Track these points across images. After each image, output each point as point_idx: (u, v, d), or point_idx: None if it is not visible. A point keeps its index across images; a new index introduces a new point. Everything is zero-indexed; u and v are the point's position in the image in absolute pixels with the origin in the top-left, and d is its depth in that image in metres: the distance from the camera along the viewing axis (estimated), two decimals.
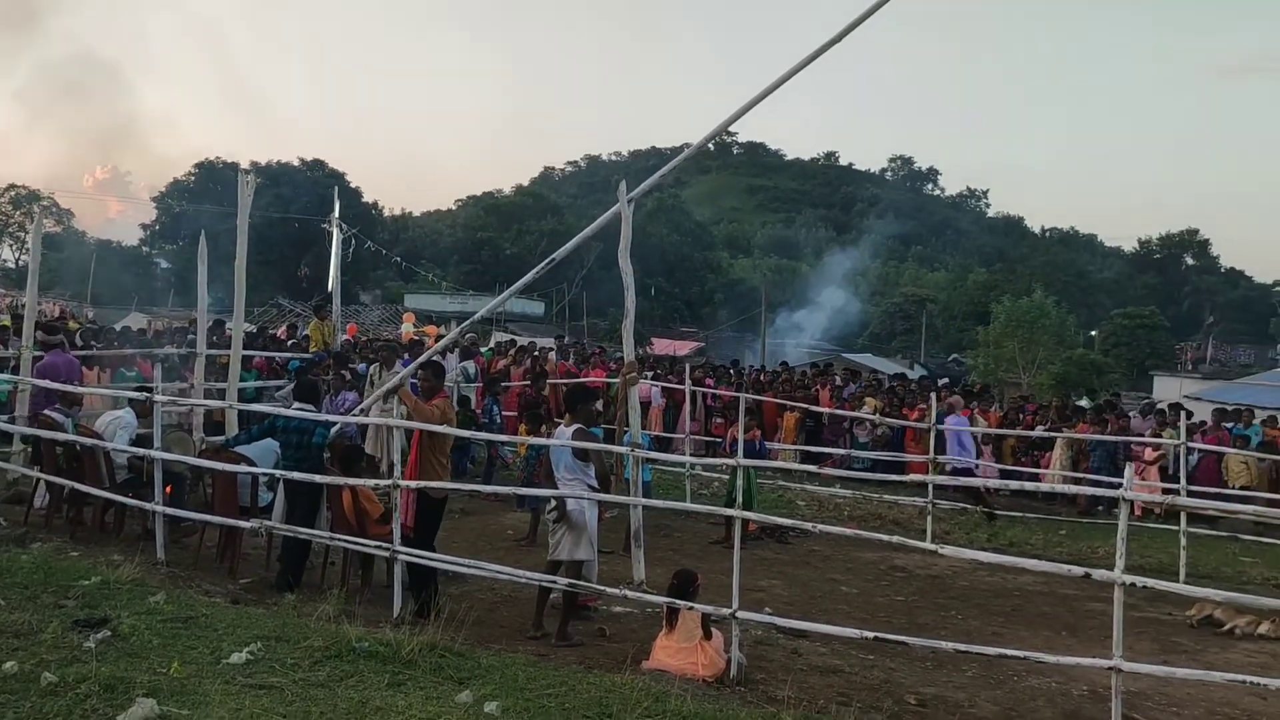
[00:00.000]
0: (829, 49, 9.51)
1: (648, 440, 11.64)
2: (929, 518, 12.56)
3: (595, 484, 7.94)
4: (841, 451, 16.70)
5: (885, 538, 7.41)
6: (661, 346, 45.79)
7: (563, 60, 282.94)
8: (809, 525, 7.73)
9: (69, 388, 10.39)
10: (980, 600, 10.26)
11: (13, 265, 69.36)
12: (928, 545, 7.54)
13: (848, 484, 15.09)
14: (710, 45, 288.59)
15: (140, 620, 6.54)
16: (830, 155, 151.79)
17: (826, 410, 17.52)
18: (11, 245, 73.74)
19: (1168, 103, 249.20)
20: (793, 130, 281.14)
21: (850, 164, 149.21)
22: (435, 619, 7.00)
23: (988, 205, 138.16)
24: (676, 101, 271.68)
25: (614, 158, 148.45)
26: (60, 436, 9.71)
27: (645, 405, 19.11)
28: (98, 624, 6.36)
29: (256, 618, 7.09)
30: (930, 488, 12.48)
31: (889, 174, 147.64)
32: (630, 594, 7.69)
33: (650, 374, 20.14)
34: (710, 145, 14.26)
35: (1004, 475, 15.46)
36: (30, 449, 10.68)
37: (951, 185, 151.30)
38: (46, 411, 10.31)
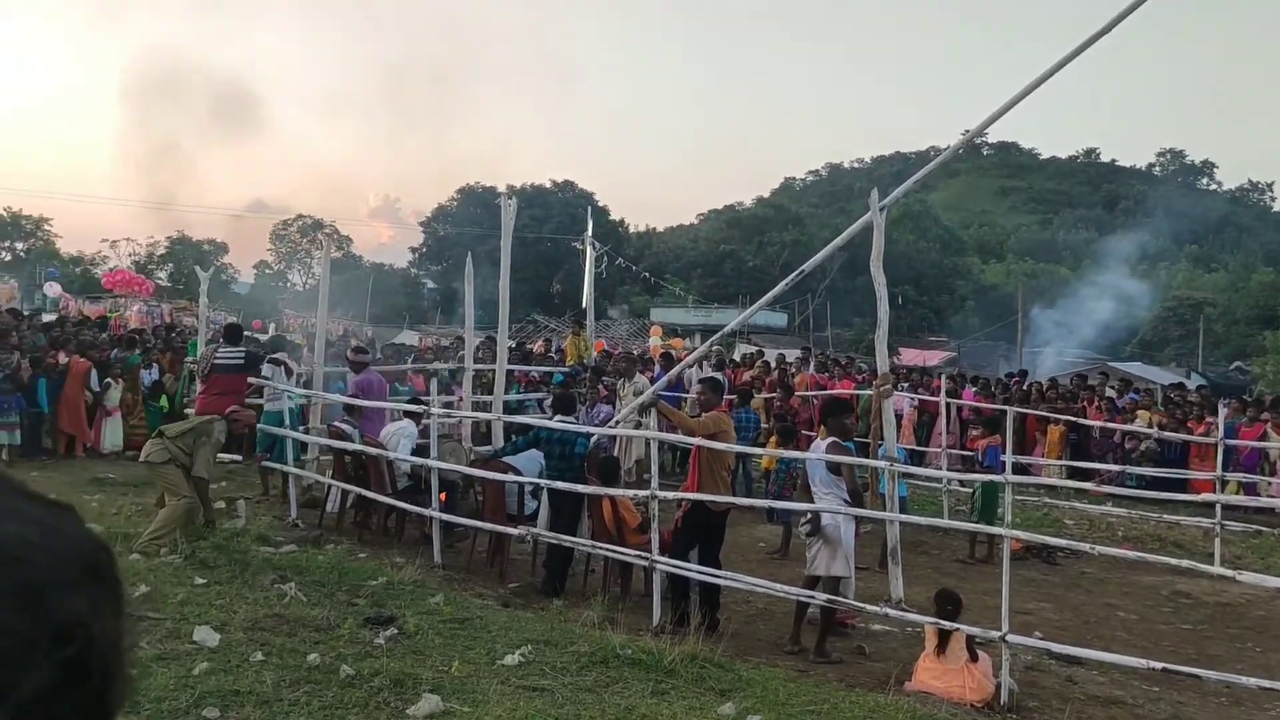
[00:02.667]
0: (1096, 41, 8.99)
1: (903, 454, 11.30)
2: (1216, 540, 11.53)
3: (848, 499, 7.82)
4: (1115, 468, 15.63)
5: (1172, 561, 6.88)
6: (910, 356, 44.46)
7: (801, 69, 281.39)
8: (1085, 546, 7.28)
9: (366, 402, 11.21)
10: None
11: (301, 289, 75.99)
12: (1220, 570, 6.94)
13: (1121, 502, 14.10)
14: (952, 45, 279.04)
15: (423, 620, 6.98)
16: (1090, 152, 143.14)
17: (1096, 423, 16.44)
18: (300, 271, 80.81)
19: None
20: (1048, 128, 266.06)
21: (1113, 160, 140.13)
22: (696, 632, 7.07)
23: (1273, 199, 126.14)
24: (919, 105, 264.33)
25: (856, 165, 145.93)
26: (349, 446, 10.53)
27: (897, 417, 18.66)
28: (386, 621, 6.84)
29: (526, 621, 7.41)
30: (1219, 508, 11.46)
31: (1157, 169, 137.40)
32: (892, 612, 7.50)
33: (903, 385, 19.65)
34: (960, 148, 13.79)
35: None
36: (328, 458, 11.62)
37: (1230, 179, 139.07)
38: (336, 423, 11.21)
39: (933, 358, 44.33)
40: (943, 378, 17.37)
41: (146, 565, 7.77)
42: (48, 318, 22.73)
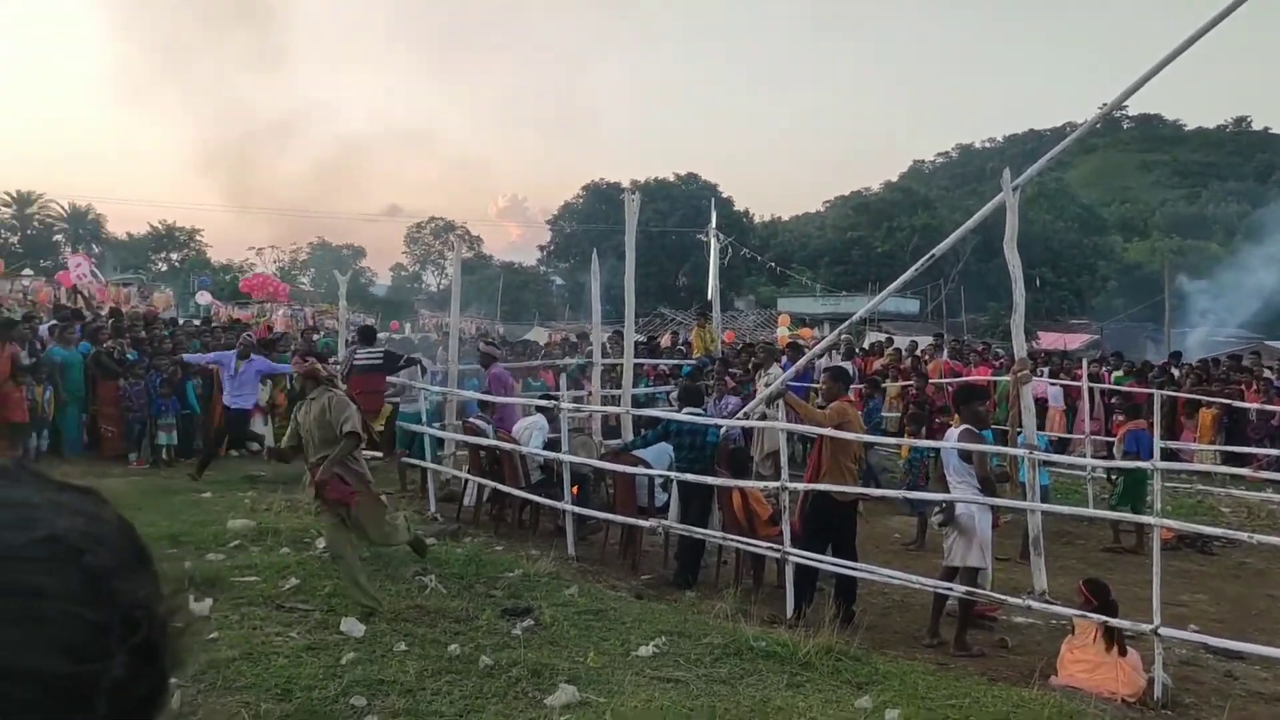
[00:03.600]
0: (1242, 3, 8.48)
1: (1044, 441, 10.93)
2: None
3: (980, 487, 7.59)
4: (1275, 452, 14.77)
5: None
6: (1049, 340, 42.91)
7: (929, 46, 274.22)
8: (1243, 535, 6.89)
9: (492, 398, 11.46)
10: None
11: (435, 289, 78.06)
12: None
13: None
14: (1086, 14, 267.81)
15: (558, 611, 7.10)
16: (1241, 120, 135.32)
17: (1254, 405, 15.54)
18: (434, 272, 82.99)
19: None
20: (1192, 98, 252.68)
21: (1266, 128, 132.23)
22: (831, 624, 6.98)
23: None
24: (1052, 80, 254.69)
25: (988, 145, 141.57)
26: (484, 441, 10.76)
27: (1042, 405, 18.06)
28: (522, 613, 6.98)
29: (659, 613, 7.46)
30: None
31: None
32: (1034, 604, 7.27)
33: (1043, 370, 19.00)
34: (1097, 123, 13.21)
35: None
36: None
37: None
38: (472, 419, 11.48)
39: (1074, 341, 42.74)
40: (1084, 361, 16.67)
41: (296, 558, 8.12)
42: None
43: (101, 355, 13.96)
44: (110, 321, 16.68)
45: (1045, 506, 8.57)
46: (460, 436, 11.47)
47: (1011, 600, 7.23)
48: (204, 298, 33.32)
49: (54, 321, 15.43)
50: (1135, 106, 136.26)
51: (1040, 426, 16.64)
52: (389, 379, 12.16)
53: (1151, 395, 9.98)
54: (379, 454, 11.65)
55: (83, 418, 13.78)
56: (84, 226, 70.37)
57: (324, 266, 66.36)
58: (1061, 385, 17.91)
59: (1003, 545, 9.42)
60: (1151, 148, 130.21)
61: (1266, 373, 18.63)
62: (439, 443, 11.83)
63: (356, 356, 12.17)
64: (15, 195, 67.63)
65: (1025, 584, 8.60)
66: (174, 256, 70.68)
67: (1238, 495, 13.36)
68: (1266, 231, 72.92)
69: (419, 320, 39.47)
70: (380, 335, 23.71)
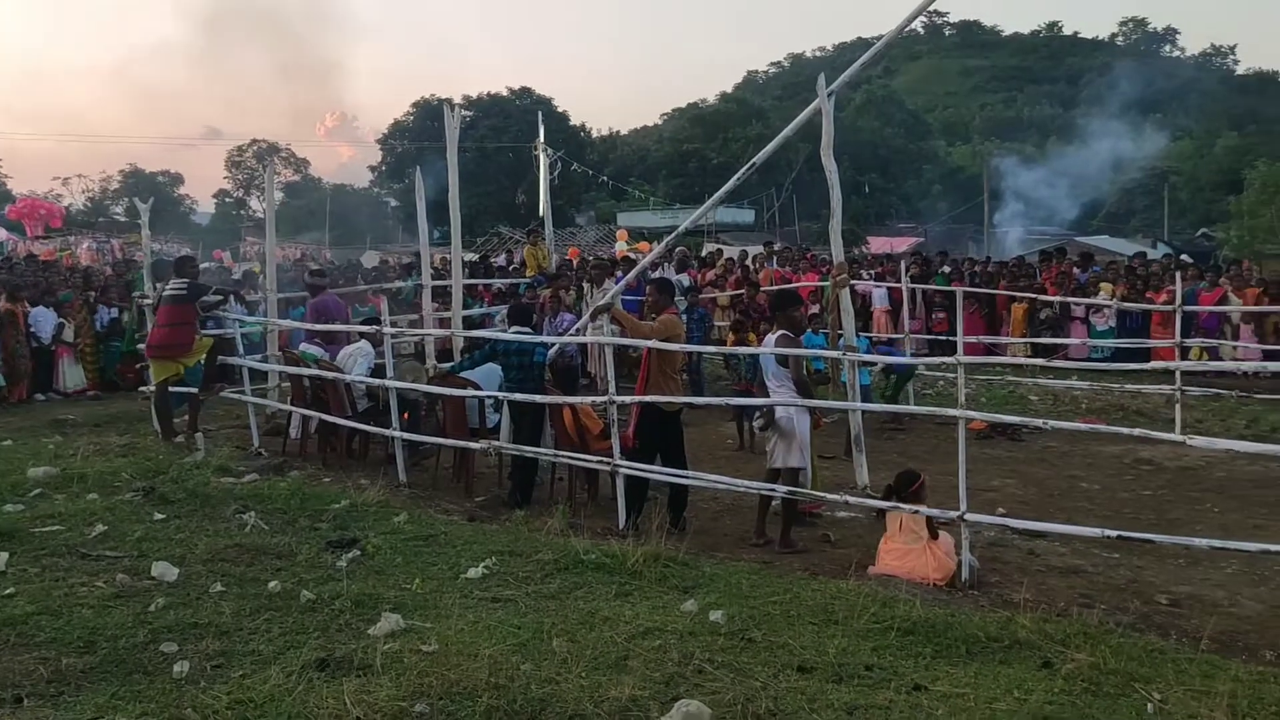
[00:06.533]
0: None
1: (864, 344, 11.30)
2: (1177, 406, 11.65)
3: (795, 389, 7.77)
4: (1076, 341, 15.72)
5: (1126, 430, 6.90)
6: (878, 244, 44.35)
7: None
8: (1039, 421, 7.27)
9: (321, 326, 11.08)
10: (1240, 492, 9.49)
11: (261, 216, 74.75)
12: (1176, 436, 6.96)
13: (1085, 375, 14.20)
14: None
15: (385, 540, 6.97)
16: (1053, 25, 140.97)
17: (1057, 299, 16.45)
18: (259, 197, 79.33)
19: None
20: (1009, 3, 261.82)
21: (1076, 33, 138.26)
22: (659, 532, 7.08)
23: (1236, 63, 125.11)
24: None
25: (818, 54, 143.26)
26: (305, 371, 10.40)
27: (867, 307, 18.65)
28: (348, 544, 6.82)
29: (491, 534, 7.42)
30: (1178, 374, 11.55)
31: (1120, 39, 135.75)
32: (852, 499, 7.55)
33: (869, 274, 19.59)
34: (919, 29, 13.46)
35: (1266, 357, 14.14)
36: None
37: (1193, 45, 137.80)
38: (304, 346, 11.07)
39: (901, 244, 44.21)
40: (903, 264, 17.26)
41: (104, 504, 7.70)
42: None
43: None
44: None
45: (864, 405, 8.90)
46: (281, 368, 11.07)
47: (830, 497, 7.47)
48: None
49: None
50: (956, 13, 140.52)
51: (866, 328, 17.27)
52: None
53: (963, 293, 10.40)
54: (194, 389, 11.12)
55: None
56: None
57: (139, 196, 62.65)
58: (886, 287, 18.52)
59: (827, 444, 9.75)
60: (972, 53, 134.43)
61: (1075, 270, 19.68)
62: (264, 375, 11.39)
63: (167, 288, 11.52)
64: None
65: (850, 480, 8.98)
66: None
67: (1045, 384, 14.19)
68: (1076, 133, 76.73)
69: (242, 249, 37.74)
70: (205, 265, 22.61)
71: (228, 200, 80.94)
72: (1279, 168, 45.02)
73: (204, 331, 11.18)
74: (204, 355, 10.91)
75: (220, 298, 11.58)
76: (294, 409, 10.79)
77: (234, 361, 11.20)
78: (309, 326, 11.12)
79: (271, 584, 5.96)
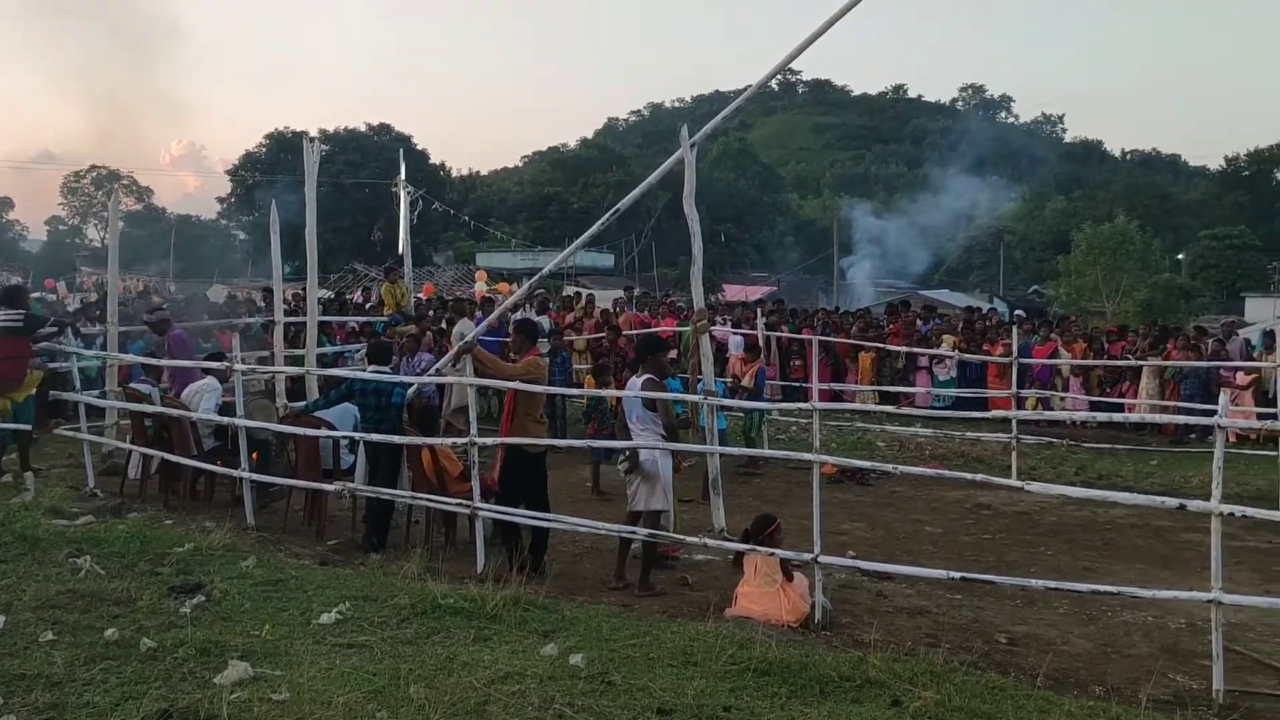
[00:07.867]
0: None
1: (722, 388, 11.51)
2: (1013, 454, 12.29)
3: (664, 434, 7.89)
4: (921, 390, 16.40)
5: (968, 476, 7.25)
6: (733, 292, 45.42)
7: (620, 5, 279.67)
8: (889, 467, 7.57)
9: (164, 362, 10.63)
10: (1070, 535, 10.04)
11: (99, 244, 71.30)
12: (1013, 482, 7.36)
13: (929, 423, 14.83)
14: None
15: (233, 585, 6.70)
16: (899, 89, 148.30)
17: (903, 349, 17.16)
18: (97, 225, 75.69)
19: (1251, 7, 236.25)
20: (859, 65, 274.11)
21: (920, 96, 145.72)
22: (519, 575, 7.03)
23: (1064, 130, 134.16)
24: (739, 42, 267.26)
25: (677, 104, 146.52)
26: (146, 408, 9.95)
27: (723, 353, 18.99)
28: (192, 590, 6.52)
29: (344, 578, 7.22)
30: (1014, 423, 12.19)
31: (960, 104, 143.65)
32: (710, 542, 7.66)
33: (726, 320, 19.97)
34: (774, 85, 13.97)
35: (1092, 407, 15.08)
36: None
37: (1026, 112, 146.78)
38: (134, 384, 10.57)
39: (755, 292, 45.31)
40: (758, 312, 17.71)
41: None
42: None
43: None
44: None
45: (722, 449, 9.06)
46: (120, 404, 10.55)
47: (690, 540, 7.57)
48: None
49: None
50: (809, 71, 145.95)
51: (721, 373, 17.60)
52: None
53: (802, 342, 10.74)
54: (28, 427, 10.50)
55: None
56: None
57: None
58: (742, 334, 18.92)
59: (685, 487, 9.86)
60: (824, 111, 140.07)
61: (919, 321, 20.59)
62: (100, 412, 10.82)
63: None
64: None
65: (707, 523, 9.10)
66: None
67: (891, 431, 14.75)
68: (920, 190, 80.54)
69: (78, 279, 35.89)
70: (36, 296, 21.36)
71: (62, 227, 76.96)
72: (1102, 231, 48.24)
73: (34, 364, 10.58)
74: (34, 389, 10.32)
75: (57, 329, 10.98)
76: (133, 447, 10.28)
77: (68, 397, 10.61)
78: (151, 361, 10.64)
79: (108, 632, 5.65)
